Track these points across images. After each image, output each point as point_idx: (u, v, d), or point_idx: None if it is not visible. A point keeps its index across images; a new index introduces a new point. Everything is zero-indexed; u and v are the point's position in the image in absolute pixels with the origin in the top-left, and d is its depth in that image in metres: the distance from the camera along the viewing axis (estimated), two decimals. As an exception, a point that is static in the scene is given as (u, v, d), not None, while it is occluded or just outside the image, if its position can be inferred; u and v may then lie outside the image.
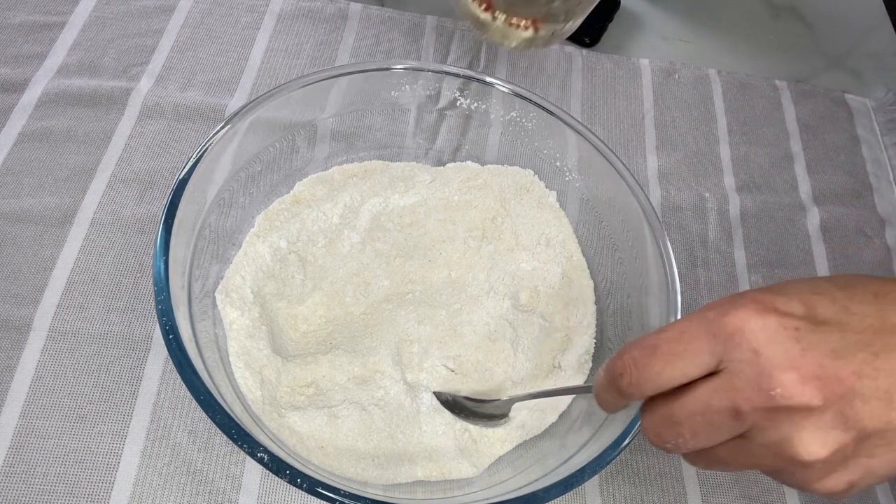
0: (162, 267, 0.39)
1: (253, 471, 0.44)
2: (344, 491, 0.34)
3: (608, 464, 0.37)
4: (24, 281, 0.48)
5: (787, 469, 0.29)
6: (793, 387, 0.27)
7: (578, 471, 0.37)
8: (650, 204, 0.47)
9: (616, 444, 0.37)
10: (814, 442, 0.28)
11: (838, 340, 0.28)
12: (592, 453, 0.38)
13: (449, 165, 0.55)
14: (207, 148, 0.44)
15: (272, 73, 0.61)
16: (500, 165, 0.55)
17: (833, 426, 0.28)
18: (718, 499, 0.47)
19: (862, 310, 0.29)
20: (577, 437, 0.42)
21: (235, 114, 0.46)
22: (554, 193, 0.54)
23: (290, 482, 0.34)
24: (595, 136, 0.50)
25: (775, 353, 0.28)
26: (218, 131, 0.44)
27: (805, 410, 0.27)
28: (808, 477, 0.29)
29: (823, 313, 0.29)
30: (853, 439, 0.28)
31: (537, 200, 0.53)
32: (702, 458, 0.32)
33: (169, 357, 0.46)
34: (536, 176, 0.54)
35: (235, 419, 0.35)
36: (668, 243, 0.45)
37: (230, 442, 0.35)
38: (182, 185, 0.42)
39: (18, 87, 0.57)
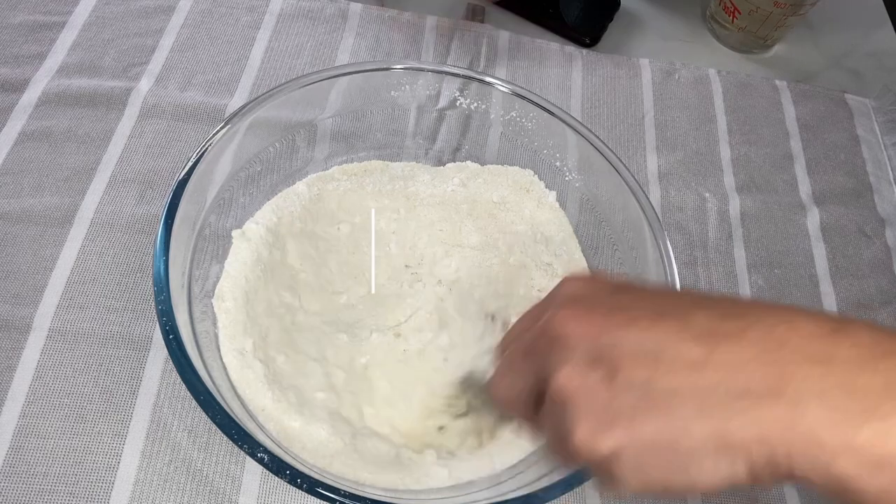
0: (162, 267, 0.39)
1: (253, 471, 0.44)
2: (344, 491, 0.34)
3: None
4: (24, 281, 0.48)
5: (559, 417, 0.28)
6: (562, 317, 0.28)
7: (579, 470, 0.36)
8: (650, 204, 0.47)
9: None
10: (565, 365, 0.27)
11: (629, 301, 0.29)
12: None
13: (449, 165, 0.55)
14: (207, 148, 0.44)
15: (272, 73, 0.61)
16: (499, 165, 0.55)
17: (587, 356, 0.27)
18: (718, 499, 0.47)
19: (660, 293, 0.31)
20: None
21: (235, 114, 0.46)
22: (553, 193, 0.54)
23: (290, 482, 0.34)
24: (595, 135, 0.50)
25: (566, 294, 0.31)
26: (218, 131, 0.44)
27: (565, 338, 0.28)
28: (569, 424, 0.27)
29: (625, 286, 0.31)
30: (604, 377, 0.26)
31: (537, 200, 0.53)
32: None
33: (169, 357, 0.46)
34: (536, 176, 0.54)
35: (235, 419, 0.35)
36: (668, 243, 0.45)
37: (230, 442, 0.35)
38: (182, 184, 0.42)
39: (18, 87, 0.57)
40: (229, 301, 0.44)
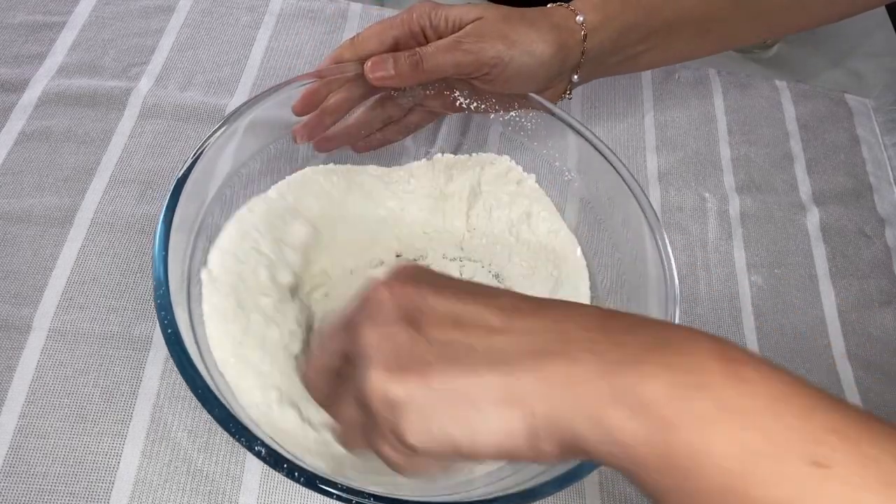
0: (161, 263, 0.39)
1: (253, 470, 0.44)
2: (341, 485, 0.34)
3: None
4: (24, 281, 0.48)
5: (360, 373, 0.29)
6: (377, 285, 0.30)
7: (577, 466, 0.36)
8: (650, 203, 0.47)
9: None
10: (372, 321, 0.29)
11: (442, 282, 0.31)
12: None
13: (414, 165, 0.55)
14: (207, 145, 0.43)
15: (272, 74, 0.61)
16: (468, 155, 0.55)
17: (394, 316, 0.29)
18: None
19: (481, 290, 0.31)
20: None
21: (235, 112, 0.45)
22: (533, 176, 0.54)
23: (287, 475, 0.34)
24: (594, 135, 0.50)
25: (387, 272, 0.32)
26: (217, 129, 0.44)
27: (378, 302, 0.30)
28: (365, 371, 0.28)
29: (445, 275, 0.32)
30: (406, 332, 0.28)
31: (515, 182, 0.53)
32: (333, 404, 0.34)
33: (168, 356, 0.46)
34: (513, 161, 0.54)
35: (234, 414, 0.35)
36: (668, 244, 0.45)
37: (230, 441, 0.35)
38: (182, 181, 0.42)
39: (18, 87, 0.57)
40: (230, 359, 0.42)
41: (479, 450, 0.27)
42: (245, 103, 0.46)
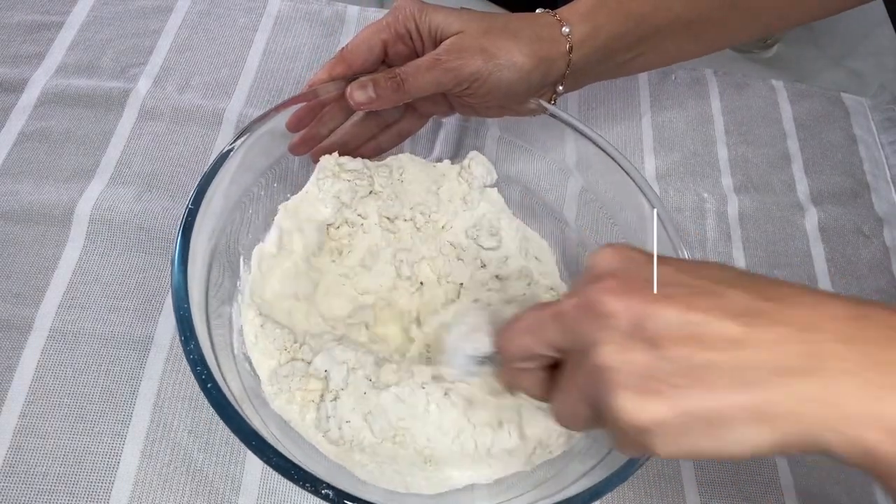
0: (181, 277, 0.37)
1: (252, 472, 0.44)
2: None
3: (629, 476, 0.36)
4: (26, 281, 0.48)
5: (595, 389, 0.29)
6: (602, 292, 0.29)
7: (602, 481, 0.36)
8: (655, 192, 0.46)
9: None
10: (607, 341, 0.28)
11: (665, 275, 0.30)
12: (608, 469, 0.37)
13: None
14: (229, 152, 0.43)
15: (270, 76, 0.61)
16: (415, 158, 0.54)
17: (627, 332, 0.28)
18: (717, 499, 0.47)
19: (709, 272, 0.30)
20: (581, 462, 0.41)
21: (256, 121, 0.45)
22: (492, 176, 0.53)
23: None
24: (593, 131, 0.49)
25: (602, 266, 0.31)
26: (238, 137, 0.43)
27: (607, 316, 0.29)
28: (609, 395, 0.28)
29: (659, 258, 0.31)
30: (645, 352, 0.28)
31: (467, 184, 0.53)
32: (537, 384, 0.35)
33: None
34: (458, 163, 0.53)
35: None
36: (674, 224, 0.45)
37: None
38: (203, 188, 0.41)
39: (17, 87, 0.57)
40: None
41: (725, 457, 0.28)
42: (266, 113, 0.45)
